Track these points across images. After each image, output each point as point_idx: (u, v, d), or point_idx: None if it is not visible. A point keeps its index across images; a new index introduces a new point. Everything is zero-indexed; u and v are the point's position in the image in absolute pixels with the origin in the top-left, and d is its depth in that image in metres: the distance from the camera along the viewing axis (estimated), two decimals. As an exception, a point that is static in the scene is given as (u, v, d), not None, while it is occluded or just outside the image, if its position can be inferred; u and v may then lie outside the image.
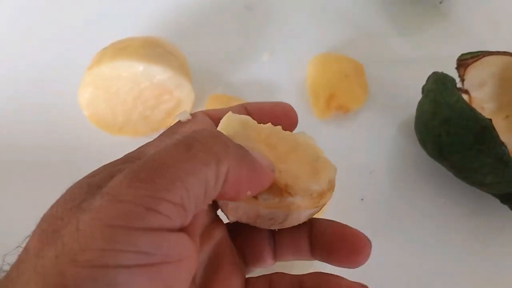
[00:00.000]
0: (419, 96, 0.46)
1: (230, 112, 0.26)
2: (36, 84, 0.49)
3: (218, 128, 0.25)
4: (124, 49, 0.43)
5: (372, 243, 0.42)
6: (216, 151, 0.21)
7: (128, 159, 0.23)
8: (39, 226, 0.20)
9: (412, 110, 0.46)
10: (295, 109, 0.49)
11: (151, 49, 0.43)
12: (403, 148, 0.48)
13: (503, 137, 0.47)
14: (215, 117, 0.27)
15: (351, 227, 0.27)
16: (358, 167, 0.47)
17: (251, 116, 0.27)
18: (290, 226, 0.26)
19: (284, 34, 0.54)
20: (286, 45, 0.53)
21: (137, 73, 0.42)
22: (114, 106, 0.44)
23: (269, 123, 0.27)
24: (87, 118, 0.45)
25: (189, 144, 0.21)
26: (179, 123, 0.26)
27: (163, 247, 0.19)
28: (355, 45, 0.53)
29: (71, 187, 0.21)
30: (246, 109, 0.29)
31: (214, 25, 0.54)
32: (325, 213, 0.42)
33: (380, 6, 0.56)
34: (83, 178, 0.21)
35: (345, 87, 0.50)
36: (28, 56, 0.51)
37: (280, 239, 0.27)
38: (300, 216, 0.25)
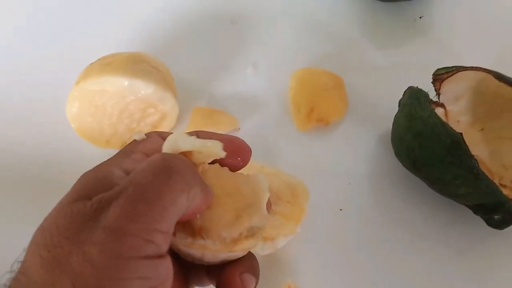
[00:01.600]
0: (396, 109, 0.47)
1: (181, 133, 0.28)
2: (25, 99, 0.51)
3: (165, 146, 0.27)
4: (109, 64, 0.45)
5: (350, 252, 0.44)
6: (189, 180, 0.24)
7: (101, 181, 0.25)
8: (35, 251, 0.22)
9: (389, 123, 0.48)
10: (277, 120, 0.51)
11: (136, 64, 0.45)
12: (381, 159, 0.49)
13: (479, 148, 0.49)
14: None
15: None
16: (337, 178, 0.48)
17: None
18: (212, 263, 0.27)
19: (267, 48, 0.56)
20: (269, 59, 0.55)
21: (122, 88, 0.44)
22: (100, 119, 0.46)
23: (217, 164, 0.28)
24: (75, 131, 0.47)
25: (167, 174, 0.23)
26: (136, 141, 0.28)
27: (158, 271, 0.22)
28: (335, 58, 0.55)
29: (60, 213, 0.23)
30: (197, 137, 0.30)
31: (199, 39, 0.56)
32: (304, 223, 0.44)
33: (360, 21, 0.57)
34: (69, 204, 0.23)
35: (325, 100, 0.51)
36: (16, 72, 0.53)
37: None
38: (215, 258, 0.27)
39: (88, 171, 0.26)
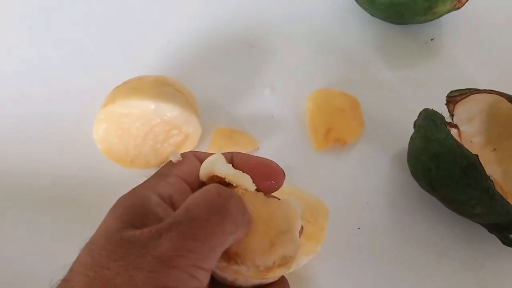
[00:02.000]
0: (411, 128, 0.49)
1: (219, 154, 0.29)
2: (52, 120, 0.52)
3: (202, 171, 0.28)
4: (135, 88, 0.46)
5: (368, 270, 0.46)
6: (239, 221, 0.25)
7: (141, 207, 0.26)
8: (81, 271, 0.23)
9: (404, 142, 0.49)
10: (295, 140, 0.52)
11: (161, 88, 0.46)
12: (397, 178, 0.51)
13: (491, 168, 0.50)
14: (203, 159, 0.30)
15: None
16: (354, 197, 0.50)
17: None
18: (244, 287, 0.28)
19: (284, 70, 0.57)
20: (286, 81, 0.56)
21: (148, 111, 0.45)
22: (126, 141, 0.47)
23: (254, 190, 0.29)
24: (100, 152, 0.48)
25: (222, 215, 0.24)
26: (171, 163, 0.29)
27: None
28: (350, 79, 0.57)
29: (109, 239, 0.24)
30: (232, 159, 0.30)
31: (219, 62, 0.57)
32: (323, 241, 0.45)
33: (373, 42, 0.59)
34: (117, 231, 0.24)
35: (341, 121, 0.53)
36: (44, 93, 0.55)
37: None
38: (247, 283, 0.27)
39: (125, 195, 0.27)
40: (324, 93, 0.55)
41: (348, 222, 0.48)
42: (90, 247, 0.25)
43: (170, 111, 0.46)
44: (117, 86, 0.48)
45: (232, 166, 0.29)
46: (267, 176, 0.30)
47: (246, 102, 0.55)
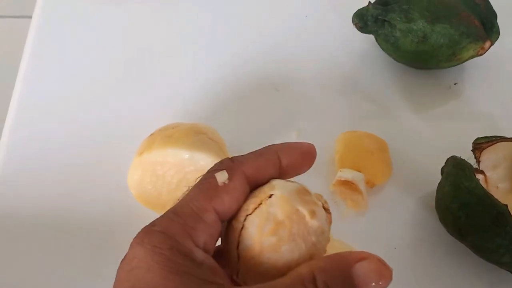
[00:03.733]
0: (437, 172, 0.50)
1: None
2: (87, 165, 0.54)
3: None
4: (170, 136, 0.48)
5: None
6: None
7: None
8: None
9: (431, 186, 0.50)
10: (324, 185, 0.53)
11: (195, 136, 0.48)
12: (425, 224, 0.51)
13: (518, 213, 0.51)
14: (251, 179, 0.28)
15: None
16: (383, 241, 0.50)
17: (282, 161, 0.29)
18: None
19: (311, 113, 0.59)
20: (313, 124, 0.58)
21: (183, 160, 0.47)
22: (160, 187, 0.49)
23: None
24: (134, 198, 0.50)
25: None
26: (213, 185, 0.27)
27: None
28: (377, 122, 0.58)
29: None
30: (279, 158, 0.30)
31: (246, 107, 0.59)
32: None
33: (398, 87, 0.60)
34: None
35: (370, 163, 0.54)
36: (79, 138, 0.56)
37: None
38: None
39: (164, 240, 0.25)
40: (352, 135, 0.56)
41: (377, 268, 0.49)
42: None
43: (203, 160, 0.47)
44: (152, 134, 0.49)
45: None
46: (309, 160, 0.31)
47: (274, 146, 0.56)
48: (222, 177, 0.27)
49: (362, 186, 0.51)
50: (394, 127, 0.58)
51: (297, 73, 0.61)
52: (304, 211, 0.27)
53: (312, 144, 0.31)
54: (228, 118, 0.58)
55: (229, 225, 0.28)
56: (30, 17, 0.66)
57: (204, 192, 0.27)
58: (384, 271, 0.26)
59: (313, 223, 0.27)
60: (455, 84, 0.60)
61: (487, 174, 0.52)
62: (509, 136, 0.50)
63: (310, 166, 0.31)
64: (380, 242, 0.50)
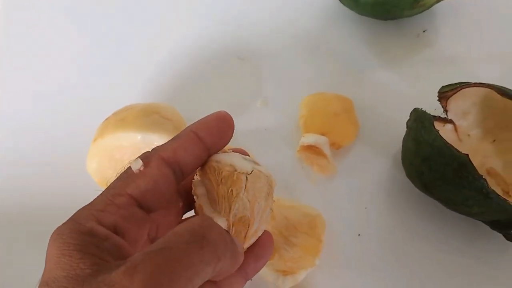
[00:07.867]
0: (405, 127, 0.48)
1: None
2: (47, 153, 0.53)
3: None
4: (123, 119, 0.47)
5: (370, 277, 0.45)
6: (219, 253, 0.24)
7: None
8: None
9: (399, 142, 0.48)
10: (290, 150, 0.51)
11: (147, 117, 0.47)
12: (395, 181, 0.50)
13: (493, 160, 0.49)
14: (171, 161, 0.29)
15: None
16: (352, 203, 0.49)
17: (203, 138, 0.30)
18: None
19: (275, 80, 0.57)
20: (277, 91, 0.56)
21: (136, 142, 0.46)
22: (119, 170, 0.48)
23: None
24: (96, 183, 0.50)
25: (200, 244, 0.24)
26: (129, 174, 0.29)
27: None
28: (343, 82, 0.56)
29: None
30: (196, 135, 0.30)
31: (210, 80, 0.57)
32: (323, 252, 0.45)
33: (363, 41, 0.58)
34: (92, 276, 0.23)
35: (335, 124, 0.52)
36: (37, 128, 0.56)
37: None
38: None
39: (66, 226, 0.26)
40: (316, 97, 0.54)
41: (347, 230, 0.48)
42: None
43: (157, 140, 0.46)
44: (107, 118, 0.49)
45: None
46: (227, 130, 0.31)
47: (238, 117, 0.54)
48: (136, 165, 0.29)
49: (326, 149, 0.50)
50: (361, 84, 0.56)
51: (260, 39, 0.60)
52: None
53: (224, 111, 0.32)
54: (192, 94, 0.57)
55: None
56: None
57: (120, 180, 0.29)
58: None
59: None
60: (424, 31, 0.57)
61: (457, 123, 0.50)
62: (478, 82, 0.48)
63: (231, 131, 0.32)
64: (352, 204, 0.49)
